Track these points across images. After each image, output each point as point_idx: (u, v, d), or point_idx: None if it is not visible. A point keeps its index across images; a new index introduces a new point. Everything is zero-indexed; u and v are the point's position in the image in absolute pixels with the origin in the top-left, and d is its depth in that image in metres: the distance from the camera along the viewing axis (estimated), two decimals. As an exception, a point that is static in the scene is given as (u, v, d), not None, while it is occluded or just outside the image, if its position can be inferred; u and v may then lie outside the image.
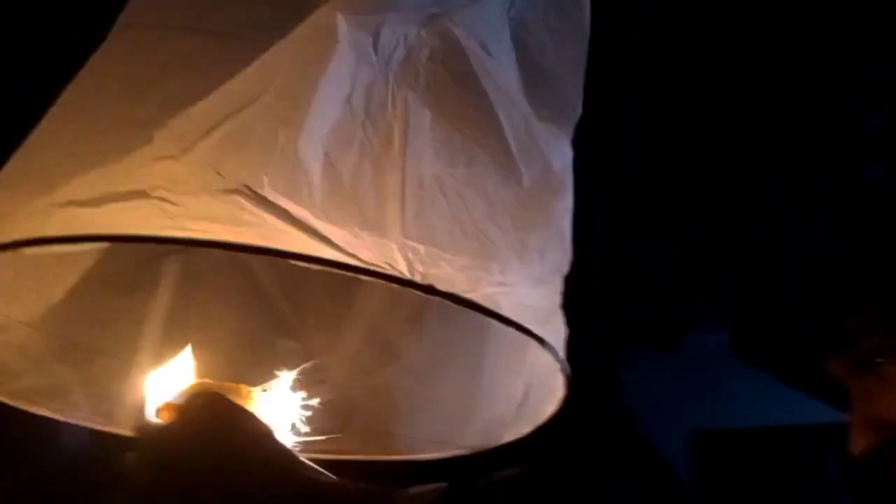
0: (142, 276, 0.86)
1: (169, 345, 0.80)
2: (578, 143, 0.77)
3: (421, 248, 0.52)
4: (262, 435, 0.62)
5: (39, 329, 0.76)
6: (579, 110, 0.71)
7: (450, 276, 0.51)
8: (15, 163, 0.61)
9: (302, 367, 0.74)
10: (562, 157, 0.69)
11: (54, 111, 0.64)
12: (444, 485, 0.65)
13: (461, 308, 0.83)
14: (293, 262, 0.47)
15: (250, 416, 0.64)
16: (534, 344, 0.72)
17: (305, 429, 0.82)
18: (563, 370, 0.64)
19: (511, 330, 0.64)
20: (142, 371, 0.82)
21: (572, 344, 0.69)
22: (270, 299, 0.95)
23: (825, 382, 0.79)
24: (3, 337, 0.73)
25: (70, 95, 0.64)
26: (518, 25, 0.70)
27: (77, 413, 0.79)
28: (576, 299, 0.70)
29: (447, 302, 0.84)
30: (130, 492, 0.61)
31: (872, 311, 0.73)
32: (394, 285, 0.53)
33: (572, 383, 0.68)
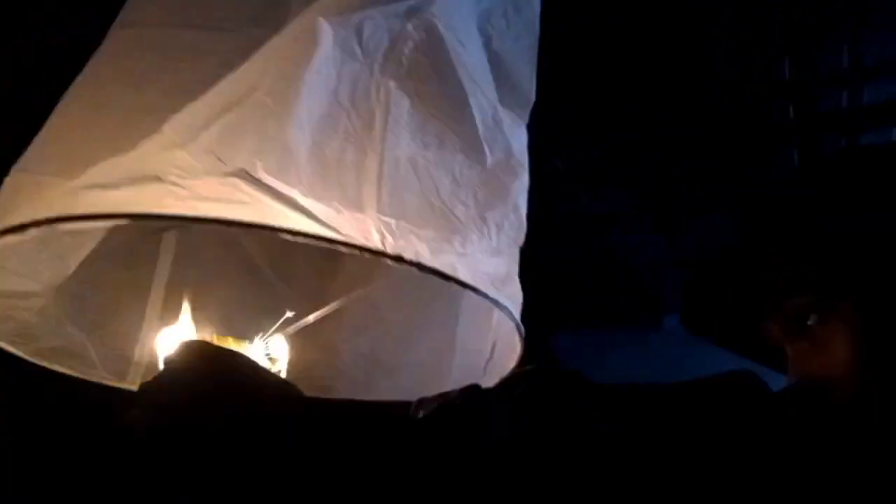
0: (143, 252, 0.94)
1: (170, 311, 0.88)
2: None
3: (393, 222, 0.60)
4: (256, 367, 0.64)
5: (56, 297, 0.85)
6: (533, 97, 0.79)
7: (416, 246, 0.60)
8: (34, 148, 0.69)
9: (291, 327, 0.83)
10: (520, 140, 0.77)
11: (65, 102, 0.71)
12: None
13: (436, 278, 0.92)
14: (282, 235, 0.56)
15: (239, 354, 0.67)
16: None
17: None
18: (517, 329, 0.72)
19: (479, 296, 0.72)
20: (148, 334, 0.91)
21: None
22: (260, 272, 1.03)
23: (766, 348, 0.85)
24: (25, 303, 0.81)
25: (79, 88, 0.71)
26: (483, 18, 0.78)
27: (93, 371, 0.88)
28: (556, 284, 0.78)
29: (426, 273, 0.94)
30: (136, 441, 0.63)
31: (799, 276, 0.77)
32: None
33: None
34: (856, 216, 0.76)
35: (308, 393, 0.99)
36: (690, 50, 1.62)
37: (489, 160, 0.73)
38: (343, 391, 1.02)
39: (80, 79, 0.72)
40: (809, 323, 0.75)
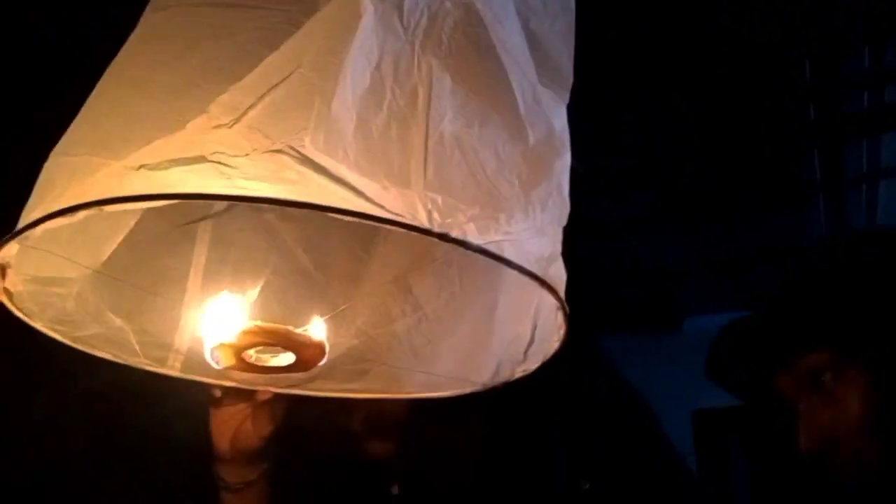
0: (178, 239, 0.94)
1: (208, 297, 0.88)
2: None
3: (439, 198, 0.59)
4: None
5: (93, 284, 0.85)
6: (572, 78, 0.78)
7: (462, 224, 0.58)
8: (72, 131, 0.68)
9: (331, 313, 0.83)
10: (561, 119, 0.76)
11: (101, 85, 0.70)
12: None
13: (477, 263, 0.90)
14: (329, 214, 0.55)
15: None
16: (539, 290, 0.80)
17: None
18: (561, 309, 0.71)
19: (519, 279, 0.71)
20: (186, 322, 0.92)
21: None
22: (295, 257, 1.03)
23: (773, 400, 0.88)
24: (62, 289, 0.81)
25: (114, 70, 0.70)
26: (519, 0, 0.77)
27: (135, 358, 0.88)
28: (580, 290, 0.78)
29: (466, 259, 0.93)
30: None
31: (816, 333, 0.82)
32: (415, 236, 0.60)
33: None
34: (871, 285, 0.82)
35: (341, 379, 0.99)
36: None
37: (531, 139, 0.71)
38: (377, 378, 1.01)
39: (114, 62, 0.71)
40: (823, 380, 0.81)
